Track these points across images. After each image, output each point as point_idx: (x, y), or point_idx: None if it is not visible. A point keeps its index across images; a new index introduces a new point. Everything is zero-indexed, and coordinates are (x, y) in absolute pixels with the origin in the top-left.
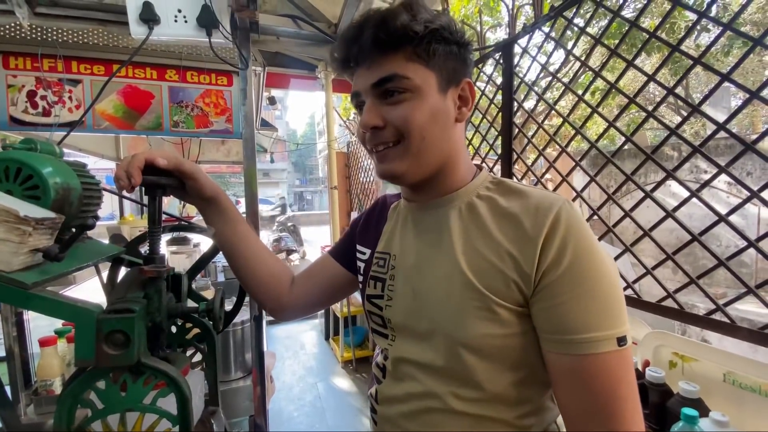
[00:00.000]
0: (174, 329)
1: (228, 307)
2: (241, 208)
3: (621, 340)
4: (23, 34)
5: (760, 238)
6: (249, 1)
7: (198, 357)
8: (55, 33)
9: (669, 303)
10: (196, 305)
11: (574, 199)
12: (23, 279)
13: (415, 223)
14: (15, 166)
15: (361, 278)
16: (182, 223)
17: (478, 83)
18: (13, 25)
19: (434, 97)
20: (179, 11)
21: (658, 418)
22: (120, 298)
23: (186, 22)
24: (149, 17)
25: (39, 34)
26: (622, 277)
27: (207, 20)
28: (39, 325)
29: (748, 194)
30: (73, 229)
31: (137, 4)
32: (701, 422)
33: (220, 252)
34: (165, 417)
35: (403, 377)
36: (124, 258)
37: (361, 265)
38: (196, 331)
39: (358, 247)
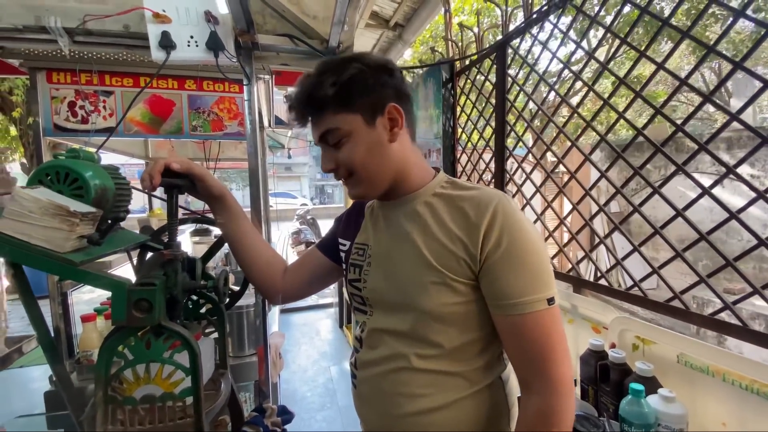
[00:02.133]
0: (190, 305)
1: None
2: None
3: (550, 300)
4: (63, 54)
5: (711, 230)
6: (248, 26)
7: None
8: (90, 53)
9: (676, 301)
10: (206, 283)
11: (557, 196)
12: (73, 258)
13: (386, 218)
14: (64, 171)
15: (344, 266)
16: (202, 216)
17: (476, 80)
18: (57, 51)
19: (364, 133)
20: (191, 37)
21: (617, 393)
22: (145, 274)
23: (197, 46)
24: (167, 44)
25: (77, 53)
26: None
27: (214, 44)
28: (82, 309)
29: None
30: (109, 221)
31: (156, 33)
32: (651, 398)
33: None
34: (180, 368)
35: (376, 344)
36: (149, 245)
37: (343, 255)
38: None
39: (340, 240)
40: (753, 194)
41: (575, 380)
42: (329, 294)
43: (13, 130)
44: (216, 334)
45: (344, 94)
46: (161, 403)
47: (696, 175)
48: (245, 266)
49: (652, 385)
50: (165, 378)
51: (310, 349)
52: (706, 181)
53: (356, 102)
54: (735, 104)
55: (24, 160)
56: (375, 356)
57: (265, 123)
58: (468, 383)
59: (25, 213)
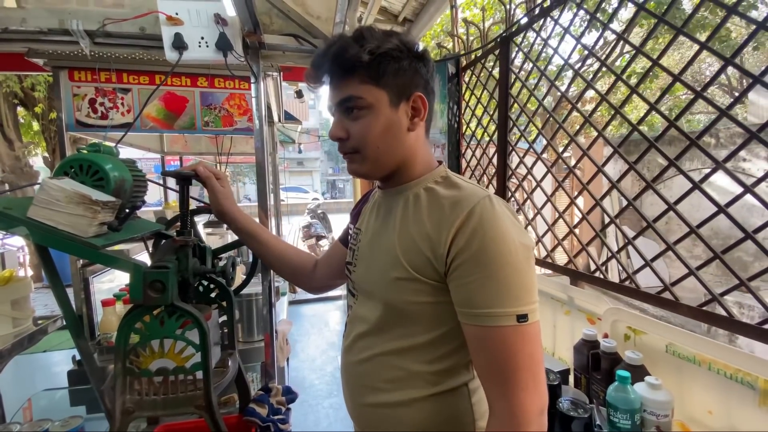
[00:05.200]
0: (201, 289)
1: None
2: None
3: (521, 317)
4: (84, 54)
5: (700, 224)
6: (255, 28)
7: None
8: (109, 53)
9: (667, 293)
10: (214, 268)
11: (556, 190)
12: (95, 243)
13: (378, 206)
14: (86, 164)
15: None
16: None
17: (481, 76)
18: (78, 51)
19: (386, 112)
20: (202, 38)
21: (608, 381)
22: (159, 258)
23: (208, 46)
24: (179, 45)
25: (96, 53)
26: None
27: (223, 44)
28: (101, 296)
29: None
30: (127, 210)
31: (170, 35)
32: (638, 385)
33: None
34: (190, 345)
35: (353, 331)
36: (163, 233)
37: (349, 239)
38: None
39: (350, 226)
40: None
41: (571, 368)
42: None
43: (35, 125)
44: (225, 317)
45: (378, 65)
46: (174, 376)
47: (695, 173)
48: (275, 270)
49: (640, 373)
50: (177, 353)
51: (318, 339)
52: (726, 179)
53: (386, 78)
54: (753, 98)
55: (46, 154)
56: (350, 343)
57: (275, 118)
58: (429, 384)
59: (53, 201)
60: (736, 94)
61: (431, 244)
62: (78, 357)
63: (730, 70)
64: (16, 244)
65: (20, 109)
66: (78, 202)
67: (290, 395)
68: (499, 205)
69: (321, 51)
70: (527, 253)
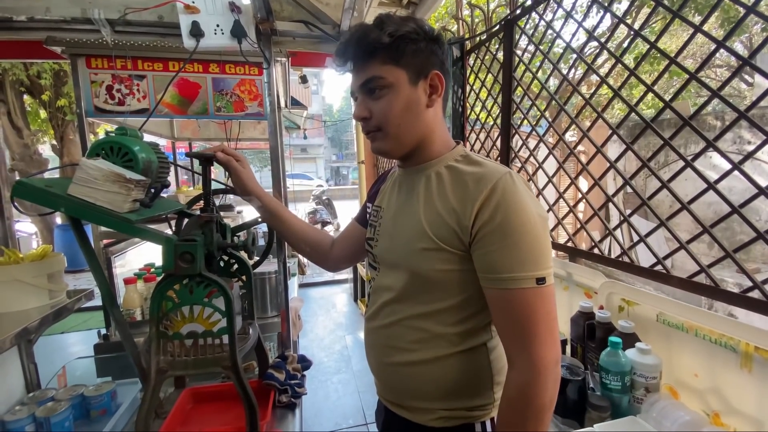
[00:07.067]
0: (222, 264)
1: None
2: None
3: (539, 280)
4: (102, 41)
5: (691, 200)
6: (268, 15)
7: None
8: (126, 41)
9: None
10: (236, 242)
11: (557, 172)
12: (130, 217)
13: (400, 184)
14: (117, 146)
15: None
16: (230, 187)
17: (485, 59)
18: (97, 39)
19: (406, 89)
20: (218, 26)
21: (602, 349)
22: (188, 233)
23: (223, 34)
24: (197, 32)
25: (113, 40)
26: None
27: (238, 32)
28: (115, 273)
29: None
30: (152, 190)
31: (187, 23)
32: (629, 351)
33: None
34: (217, 311)
35: (378, 299)
36: (185, 211)
37: (368, 217)
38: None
39: (368, 205)
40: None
41: (567, 339)
42: (345, 270)
43: (42, 113)
44: (244, 290)
45: (397, 47)
46: (202, 339)
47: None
48: (294, 248)
49: (631, 340)
50: (205, 318)
51: (326, 320)
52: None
53: (406, 59)
54: (759, 80)
55: (54, 142)
56: (376, 310)
57: (282, 104)
58: (451, 344)
59: (91, 180)
60: (745, 76)
61: (457, 217)
62: (104, 332)
63: (740, 52)
64: (29, 230)
65: (27, 97)
66: (114, 181)
67: (305, 363)
68: (518, 180)
69: (345, 38)
70: (543, 223)
